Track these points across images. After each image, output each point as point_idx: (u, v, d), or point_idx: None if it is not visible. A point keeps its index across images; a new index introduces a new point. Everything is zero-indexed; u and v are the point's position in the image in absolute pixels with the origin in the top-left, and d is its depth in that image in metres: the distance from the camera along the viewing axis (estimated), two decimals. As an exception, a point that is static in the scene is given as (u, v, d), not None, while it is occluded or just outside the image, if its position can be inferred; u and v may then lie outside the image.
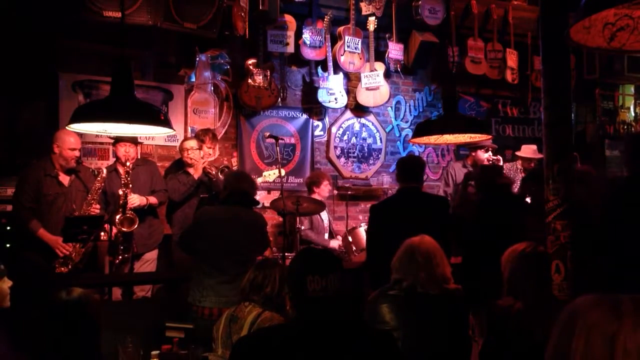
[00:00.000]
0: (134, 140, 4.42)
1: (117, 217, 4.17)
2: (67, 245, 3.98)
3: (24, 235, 4.04)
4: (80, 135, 4.69)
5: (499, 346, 2.40)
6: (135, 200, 4.26)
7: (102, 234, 4.14)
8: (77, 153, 4.16)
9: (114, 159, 4.62)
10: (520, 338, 2.29)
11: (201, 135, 4.90)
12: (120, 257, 4.20)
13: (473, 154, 5.37)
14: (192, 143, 4.71)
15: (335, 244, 5.26)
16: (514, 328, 2.32)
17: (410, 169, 3.67)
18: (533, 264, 2.39)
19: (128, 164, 4.26)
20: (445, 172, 5.57)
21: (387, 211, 3.68)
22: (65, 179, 4.17)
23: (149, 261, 4.55)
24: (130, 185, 4.25)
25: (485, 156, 5.25)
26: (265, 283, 2.59)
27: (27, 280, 2.44)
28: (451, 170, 5.46)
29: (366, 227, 4.98)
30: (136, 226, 4.22)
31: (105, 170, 4.26)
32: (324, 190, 5.27)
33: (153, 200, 4.47)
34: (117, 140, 4.38)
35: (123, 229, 4.18)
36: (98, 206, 4.17)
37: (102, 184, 4.21)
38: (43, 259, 3.92)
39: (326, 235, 5.36)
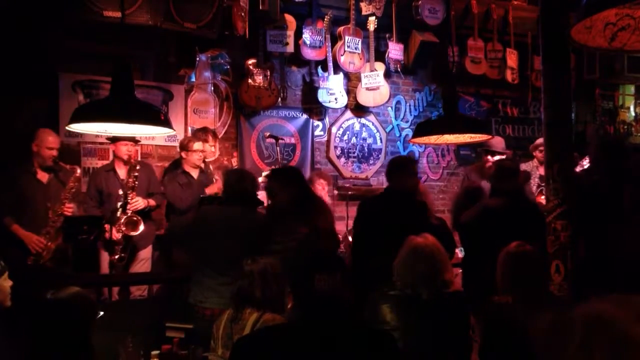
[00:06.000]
0: (133, 139, 4.42)
1: (122, 219, 4.19)
2: (40, 241, 4.00)
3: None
4: (80, 135, 4.70)
5: (496, 343, 2.41)
6: (140, 203, 4.29)
7: (107, 234, 4.16)
8: (54, 152, 4.17)
9: (112, 159, 4.61)
10: (514, 334, 2.30)
11: (202, 135, 4.91)
12: (117, 255, 4.21)
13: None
14: (199, 145, 4.70)
15: None
16: (507, 325, 2.33)
17: (387, 170, 3.72)
18: (519, 262, 2.41)
19: (137, 167, 4.31)
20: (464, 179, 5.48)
21: (371, 209, 3.69)
22: (43, 177, 4.19)
23: (143, 260, 4.56)
24: (135, 187, 4.27)
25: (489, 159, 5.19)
26: (251, 289, 2.57)
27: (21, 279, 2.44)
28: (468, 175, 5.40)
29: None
30: (141, 228, 4.23)
31: (79, 170, 4.27)
32: (317, 190, 5.23)
33: (153, 202, 4.48)
34: (117, 138, 4.38)
35: (127, 232, 4.20)
36: (71, 205, 4.17)
37: (76, 184, 4.21)
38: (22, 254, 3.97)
39: None
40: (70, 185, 4.16)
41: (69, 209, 4.14)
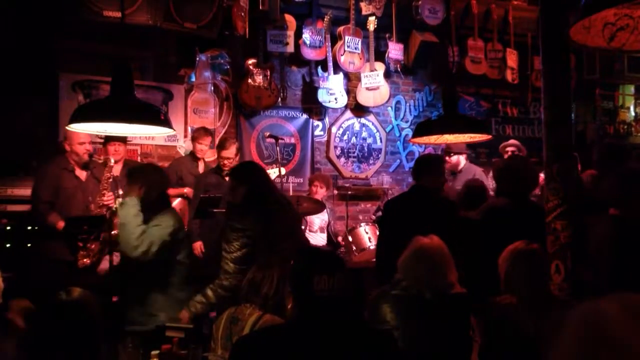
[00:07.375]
0: (123, 139, 4.42)
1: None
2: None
3: (43, 230, 4.03)
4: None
5: (497, 343, 2.41)
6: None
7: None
8: (88, 146, 4.15)
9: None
10: (516, 335, 2.29)
11: (197, 136, 4.93)
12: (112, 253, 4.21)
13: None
14: (231, 153, 4.70)
15: (316, 240, 5.19)
16: (510, 325, 2.33)
17: (413, 167, 3.74)
18: (525, 260, 2.40)
19: (111, 164, 4.27)
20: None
21: (398, 208, 3.68)
22: (81, 174, 4.19)
23: None
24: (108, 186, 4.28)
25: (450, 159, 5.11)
26: (263, 283, 2.58)
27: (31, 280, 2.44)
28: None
29: (366, 227, 5.00)
30: None
31: (112, 160, 4.27)
32: (313, 191, 5.22)
33: None
34: (108, 139, 4.39)
35: None
36: (111, 194, 4.16)
37: (111, 174, 4.20)
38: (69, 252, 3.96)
39: (319, 234, 5.28)
40: (106, 176, 4.15)
41: (110, 198, 4.14)
